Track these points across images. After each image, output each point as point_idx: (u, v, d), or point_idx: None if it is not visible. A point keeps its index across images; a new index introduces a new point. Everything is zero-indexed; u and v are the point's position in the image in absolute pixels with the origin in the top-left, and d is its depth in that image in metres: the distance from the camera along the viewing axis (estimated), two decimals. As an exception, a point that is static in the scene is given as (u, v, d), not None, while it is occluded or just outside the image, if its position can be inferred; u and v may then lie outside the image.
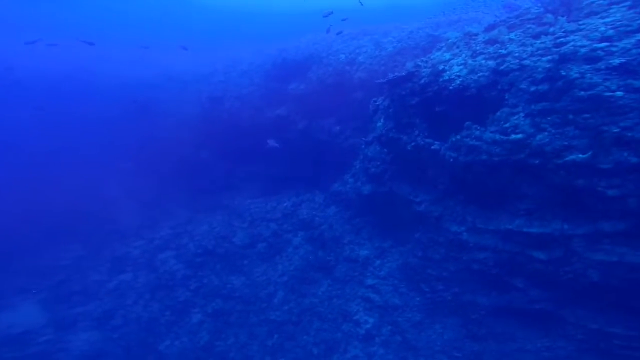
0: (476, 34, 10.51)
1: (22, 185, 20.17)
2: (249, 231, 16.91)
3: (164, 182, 20.78)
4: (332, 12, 15.66)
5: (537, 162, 7.74)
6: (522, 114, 8.14)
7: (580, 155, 7.01)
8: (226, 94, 20.86)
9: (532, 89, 8.04)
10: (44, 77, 24.56)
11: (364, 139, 13.76)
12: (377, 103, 12.52)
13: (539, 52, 8.28)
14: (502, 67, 8.85)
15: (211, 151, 19.70)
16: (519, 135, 7.99)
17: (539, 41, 8.40)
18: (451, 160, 9.59)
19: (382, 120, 12.03)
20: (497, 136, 8.49)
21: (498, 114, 8.71)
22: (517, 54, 8.61)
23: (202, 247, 17.19)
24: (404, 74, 11.13)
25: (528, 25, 9.08)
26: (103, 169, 21.44)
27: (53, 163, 20.96)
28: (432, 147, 10.23)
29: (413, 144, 10.82)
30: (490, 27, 10.37)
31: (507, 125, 8.37)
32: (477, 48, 9.92)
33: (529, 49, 8.36)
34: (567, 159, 7.23)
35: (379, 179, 13.36)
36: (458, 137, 9.41)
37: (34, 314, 15.94)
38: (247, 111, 18.81)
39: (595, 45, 7.42)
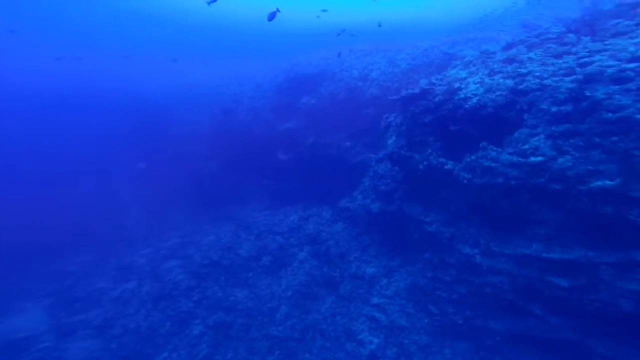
0: (493, 53, 10.01)
1: (36, 190, 20.09)
2: (255, 243, 16.36)
3: (174, 191, 20.50)
4: (344, 30, 15.43)
5: (558, 187, 7.11)
6: (542, 136, 7.54)
7: (608, 182, 6.37)
8: (239, 106, 20.62)
9: (554, 109, 7.46)
10: (61, 88, 24.84)
11: (373, 155, 13.23)
12: (389, 120, 12.03)
13: (562, 71, 7.73)
14: (521, 87, 8.31)
15: (221, 162, 19.38)
16: (539, 158, 7.38)
17: (561, 61, 7.86)
18: (465, 181, 8.99)
19: (393, 138, 11.51)
20: (515, 158, 7.88)
21: (516, 134, 8.12)
22: (537, 73, 8.06)
23: (207, 257, 16.66)
24: (417, 91, 10.64)
25: (549, 45, 8.56)
26: (115, 176, 21.29)
27: (66, 170, 20.88)
28: (446, 167, 9.64)
29: (425, 163, 10.24)
30: (508, 46, 9.87)
31: (525, 147, 7.77)
32: (495, 66, 9.41)
33: (551, 68, 7.82)
34: (592, 185, 6.59)
35: (389, 197, 12.78)
36: (473, 157, 8.82)
37: (38, 319, 15.50)
38: (259, 124, 18.49)
39: (624, 65, 6.84)
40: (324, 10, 17.68)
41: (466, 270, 9.56)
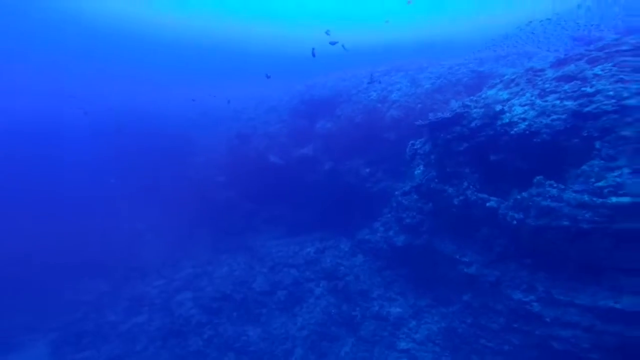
0: (542, 70, 8.13)
1: (52, 216, 19.07)
2: (269, 277, 14.57)
3: (189, 220, 19.09)
4: (337, 42, 14.11)
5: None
6: (626, 170, 5.57)
7: None
8: (255, 132, 19.19)
9: (643, 138, 5.51)
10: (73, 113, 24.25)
11: (398, 188, 11.37)
12: (416, 147, 10.20)
13: (648, 89, 5.80)
14: (587, 109, 6.39)
15: (237, 190, 17.86)
16: (626, 199, 5.40)
17: (647, 76, 5.92)
18: (515, 222, 7.02)
19: (421, 168, 9.66)
20: (586, 197, 5.91)
21: (585, 168, 6.16)
22: (612, 93, 6.13)
23: (220, 291, 14.96)
24: (449, 115, 8.81)
25: (622, 58, 6.61)
26: (131, 203, 20.09)
27: (81, 195, 19.83)
28: (488, 204, 7.70)
29: (461, 197, 8.33)
30: (561, 62, 7.97)
31: (601, 183, 5.80)
32: (546, 86, 7.52)
33: (634, 86, 5.87)
34: None
35: (415, 230, 10.83)
36: (525, 195, 6.87)
37: (41, 357, 14.04)
38: (274, 149, 16.94)
39: None
40: (327, 33, 16.32)
41: (519, 318, 7.63)
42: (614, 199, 5.54)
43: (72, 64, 41.33)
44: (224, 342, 13.33)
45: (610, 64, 6.63)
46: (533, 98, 7.46)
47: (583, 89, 6.60)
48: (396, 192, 11.71)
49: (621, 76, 6.20)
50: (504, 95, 8.20)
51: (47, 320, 16.03)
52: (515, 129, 7.43)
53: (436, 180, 9.02)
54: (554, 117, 6.83)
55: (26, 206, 20.06)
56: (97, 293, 17.65)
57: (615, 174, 5.68)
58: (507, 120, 7.63)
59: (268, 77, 16.14)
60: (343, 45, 16.62)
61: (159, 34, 44.36)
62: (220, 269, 16.10)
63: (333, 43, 15.56)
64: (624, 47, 6.78)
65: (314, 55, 12.73)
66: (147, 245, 19.56)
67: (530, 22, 11.11)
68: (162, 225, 19.83)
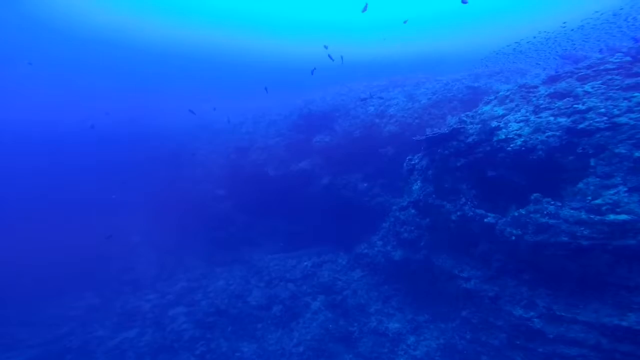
0: (535, 87, 8.26)
1: (44, 227, 18.76)
2: (266, 291, 14.35)
3: (184, 232, 18.86)
4: (334, 59, 14.54)
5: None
6: (623, 188, 5.60)
7: None
8: (252, 145, 19.19)
9: (638, 154, 5.56)
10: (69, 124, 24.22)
11: (395, 203, 11.36)
12: (413, 162, 10.24)
13: None
14: (581, 126, 6.47)
15: (234, 203, 17.74)
16: (623, 217, 5.42)
17: (638, 94, 6.02)
18: (513, 238, 7.01)
19: (419, 183, 9.67)
20: (584, 215, 5.93)
21: (581, 185, 6.21)
22: (603, 110, 6.23)
23: (214, 305, 14.67)
24: (446, 130, 8.89)
25: (609, 77, 6.76)
26: (127, 213, 19.88)
27: (77, 207, 19.60)
28: (486, 220, 7.70)
29: (459, 213, 8.33)
30: (553, 79, 8.13)
31: (599, 201, 5.83)
32: (540, 102, 7.64)
33: (625, 103, 5.97)
34: None
35: (413, 245, 10.78)
36: (522, 211, 6.89)
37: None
38: (273, 163, 16.92)
39: None
40: (325, 47, 16.59)
41: (520, 335, 7.49)
42: (611, 217, 5.56)
43: (61, 74, 41.17)
44: (216, 359, 13.02)
45: (599, 82, 6.77)
46: (528, 114, 7.56)
47: (575, 105, 6.71)
48: (394, 207, 11.69)
49: (610, 94, 6.31)
50: (500, 111, 8.31)
51: (28, 337, 15.49)
52: (511, 145, 7.50)
53: (434, 195, 9.03)
54: (549, 133, 6.91)
55: (16, 215, 19.76)
56: (86, 307, 17.16)
57: (612, 192, 5.72)
58: (503, 137, 7.70)
59: (266, 90, 16.30)
60: (342, 57, 16.90)
61: (153, 44, 44.35)
62: (216, 283, 15.83)
63: (331, 58, 15.82)
64: (610, 66, 6.94)
65: (312, 73, 12.97)
66: (141, 257, 19.23)
67: (519, 41, 11.37)
68: (157, 237, 19.57)
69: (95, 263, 19.03)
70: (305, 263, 14.38)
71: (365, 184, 13.63)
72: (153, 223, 19.99)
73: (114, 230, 18.74)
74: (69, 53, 39.11)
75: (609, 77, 6.84)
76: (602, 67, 7.11)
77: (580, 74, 7.53)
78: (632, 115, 5.76)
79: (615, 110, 6.03)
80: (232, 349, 13.05)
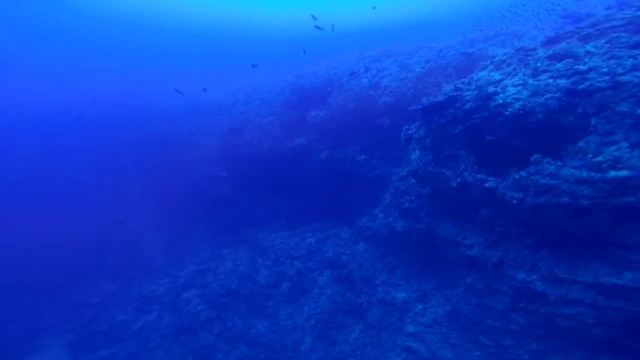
0: (533, 49, 8.00)
1: (51, 217, 18.76)
2: (273, 269, 14.62)
3: (187, 216, 18.93)
4: (323, 28, 14.06)
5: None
6: (624, 144, 5.54)
7: None
8: (246, 125, 18.90)
9: None
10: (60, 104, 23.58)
11: (395, 173, 11.31)
12: (410, 132, 10.10)
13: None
14: (581, 86, 6.32)
15: (233, 184, 17.68)
16: (624, 172, 5.39)
17: (642, 49, 5.82)
18: (515, 201, 7.02)
19: (417, 152, 9.59)
20: (585, 173, 5.90)
21: (581, 144, 6.14)
22: (605, 69, 6.05)
23: (225, 286, 15.02)
24: (442, 98, 8.70)
25: (615, 35, 6.50)
26: (128, 200, 19.84)
27: (78, 194, 19.57)
28: (486, 184, 7.69)
29: (459, 180, 8.31)
30: (551, 40, 7.84)
31: (599, 158, 5.78)
32: (539, 65, 7.42)
33: (629, 61, 5.78)
34: None
35: (415, 215, 10.85)
36: (523, 173, 6.86)
37: (61, 357, 14.21)
38: (268, 142, 16.71)
39: None
40: (314, 17, 15.93)
41: (523, 298, 7.67)
42: (612, 173, 5.53)
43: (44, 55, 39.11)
44: (234, 336, 13.47)
45: (602, 41, 6.52)
46: (525, 78, 7.36)
47: (576, 66, 6.52)
48: (393, 178, 11.67)
49: (614, 52, 6.10)
50: (496, 76, 8.09)
51: (59, 322, 16.06)
52: (509, 110, 7.36)
53: (433, 163, 8.98)
54: (548, 95, 6.76)
55: (22, 204, 19.71)
56: (104, 294, 17.59)
57: (613, 148, 5.66)
58: (500, 101, 7.55)
59: (254, 66, 15.72)
60: (332, 26, 16.28)
61: (134, 19, 41.45)
62: (224, 264, 16.11)
63: (319, 28, 15.23)
64: (616, 23, 6.66)
65: (305, 52, 12.45)
66: (148, 243, 19.43)
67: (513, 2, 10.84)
68: (161, 222, 19.66)
69: (105, 250, 19.24)
70: (309, 239, 14.55)
71: (364, 157, 13.55)
72: (155, 208, 20.01)
73: (117, 218, 18.81)
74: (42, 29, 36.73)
75: (615, 34, 6.56)
76: (607, 25, 6.82)
77: (582, 34, 7.25)
78: (637, 73, 5.59)
79: (618, 69, 5.84)
80: (247, 327, 13.48)
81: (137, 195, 20.49)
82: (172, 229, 19.28)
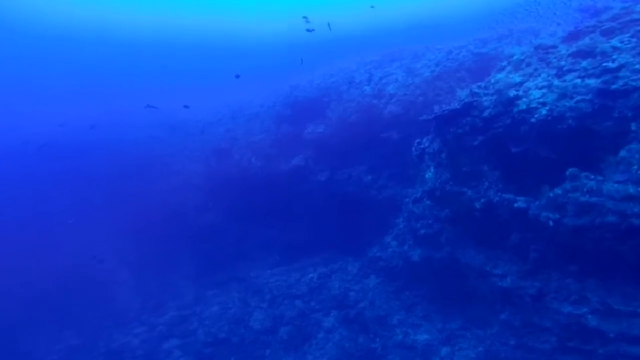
0: (554, 46, 8.12)
1: (5, 257, 18.41)
2: (269, 312, 14.28)
3: (167, 251, 18.65)
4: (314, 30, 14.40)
5: None
6: (673, 154, 5.49)
7: None
8: (234, 145, 18.97)
9: (687, 114, 5.44)
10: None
11: (407, 195, 11.25)
12: (423, 146, 10.10)
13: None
14: (614, 86, 6.34)
15: (220, 213, 17.54)
16: (678, 188, 5.30)
17: (679, 43, 5.88)
18: (551, 223, 6.90)
19: (432, 170, 9.55)
20: (631, 188, 5.82)
21: (623, 153, 6.09)
22: (638, 66, 6.10)
23: (212, 334, 14.58)
24: (457, 106, 8.74)
25: (639, 28, 6.61)
26: (97, 234, 19.62)
27: (43, 228, 19.35)
28: (516, 205, 7.59)
29: (483, 200, 8.23)
30: (572, 36, 7.98)
31: (646, 171, 5.72)
32: (562, 64, 7.51)
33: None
34: None
35: (433, 242, 10.68)
36: (558, 191, 6.77)
37: None
38: (259, 163, 16.71)
39: None
40: (306, 19, 16.36)
41: (574, 335, 7.42)
42: (663, 188, 5.45)
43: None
44: (220, 399, 12.99)
45: (627, 35, 6.65)
46: (550, 79, 7.43)
47: (604, 64, 6.58)
48: (406, 200, 11.58)
49: (648, 46, 6.18)
50: (516, 78, 8.17)
51: None
52: (535, 116, 7.37)
53: (451, 182, 8.91)
54: (578, 98, 6.79)
55: None
56: (67, 349, 17.04)
57: (660, 158, 5.60)
58: (524, 107, 7.57)
59: (237, 77, 15.93)
60: (329, 24, 16.58)
61: (107, 36, 42.12)
62: (210, 308, 15.73)
63: (310, 30, 15.57)
64: (637, 16, 6.81)
65: (302, 63, 12.64)
66: (119, 284, 19.04)
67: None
68: (135, 258, 19.34)
69: (69, 295, 18.75)
70: (311, 275, 14.30)
71: (370, 177, 13.53)
72: (129, 243, 19.73)
73: (93, 254, 18.51)
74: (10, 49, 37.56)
75: (639, 28, 6.69)
76: (628, 18, 6.98)
77: (603, 28, 7.40)
78: (676, 68, 5.64)
79: (655, 64, 5.91)
80: (239, 382, 13.02)
81: (108, 228, 20.28)
82: (149, 267, 18.95)
